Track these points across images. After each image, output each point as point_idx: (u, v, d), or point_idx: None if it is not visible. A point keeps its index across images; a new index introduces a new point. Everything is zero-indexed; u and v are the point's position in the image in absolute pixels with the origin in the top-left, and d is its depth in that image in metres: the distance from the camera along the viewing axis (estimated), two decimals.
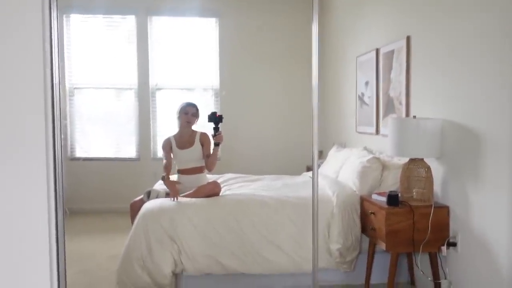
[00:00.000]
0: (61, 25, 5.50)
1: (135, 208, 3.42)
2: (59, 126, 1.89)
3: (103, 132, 5.83)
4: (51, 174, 1.78)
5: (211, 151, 3.58)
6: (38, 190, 1.74)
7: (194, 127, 3.67)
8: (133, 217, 3.37)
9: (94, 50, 5.67)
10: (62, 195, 1.85)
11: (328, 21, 5.61)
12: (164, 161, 3.62)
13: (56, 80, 1.91)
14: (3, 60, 1.75)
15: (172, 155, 3.64)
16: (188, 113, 3.61)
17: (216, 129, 3.47)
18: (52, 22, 1.92)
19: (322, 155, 5.51)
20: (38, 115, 1.79)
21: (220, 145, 3.51)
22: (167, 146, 3.65)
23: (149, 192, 3.46)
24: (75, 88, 5.67)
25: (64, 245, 1.85)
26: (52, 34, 1.91)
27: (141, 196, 3.49)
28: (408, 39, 3.38)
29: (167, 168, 3.58)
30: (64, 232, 1.84)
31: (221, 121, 3.47)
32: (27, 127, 1.76)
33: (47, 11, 1.86)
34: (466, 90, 2.65)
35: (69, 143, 5.64)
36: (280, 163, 5.74)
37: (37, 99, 1.79)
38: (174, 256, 3.04)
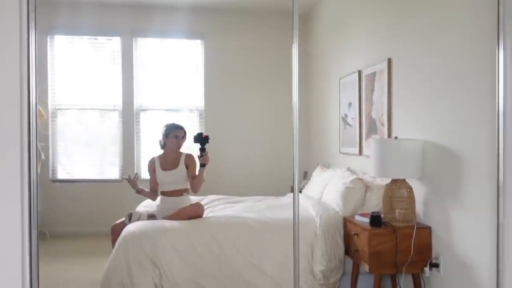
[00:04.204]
0: (45, 46, 5.48)
1: (116, 231, 3.35)
2: (35, 148, 1.86)
3: (86, 154, 5.76)
4: (26, 197, 1.75)
5: (197, 173, 3.55)
6: (12, 214, 1.70)
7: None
8: (114, 240, 3.30)
9: (79, 71, 5.65)
10: (37, 218, 1.80)
11: (313, 43, 5.68)
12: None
13: (33, 102, 1.89)
14: None
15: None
16: (178, 137, 3.58)
17: (202, 150, 3.46)
18: (31, 44, 1.90)
19: (306, 175, 5.51)
20: (13, 137, 1.76)
21: (206, 166, 3.49)
22: (152, 167, 3.63)
23: (130, 215, 3.40)
24: (58, 109, 5.62)
25: (38, 269, 1.80)
26: (30, 56, 1.89)
27: (123, 219, 3.43)
28: (389, 61, 3.43)
29: (151, 187, 3.65)
30: (38, 256, 1.79)
31: (207, 142, 3.46)
32: (2, 149, 1.72)
33: (25, 33, 1.85)
34: (446, 112, 2.68)
35: (50, 164, 5.54)
36: (265, 183, 5.72)
37: (13, 122, 1.77)
38: (155, 280, 2.97)
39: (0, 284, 1.57)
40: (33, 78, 1.91)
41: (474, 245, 2.43)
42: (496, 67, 2.20)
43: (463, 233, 2.52)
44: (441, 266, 2.72)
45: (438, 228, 2.77)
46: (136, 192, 3.58)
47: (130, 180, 3.54)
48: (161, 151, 3.67)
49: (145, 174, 5.52)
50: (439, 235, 2.76)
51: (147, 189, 3.65)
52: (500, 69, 2.16)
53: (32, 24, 1.91)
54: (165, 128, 3.61)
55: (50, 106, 5.56)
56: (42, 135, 5.36)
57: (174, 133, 3.57)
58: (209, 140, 3.46)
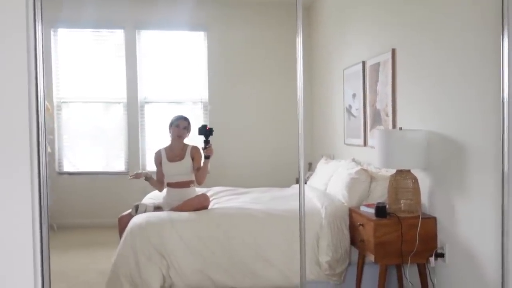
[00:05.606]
0: (48, 40, 5.49)
1: (123, 222, 3.39)
2: (44, 142, 1.88)
3: (91, 146, 5.79)
4: (36, 190, 1.77)
5: (202, 165, 3.57)
6: (22, 207, 1.72)
7: (185, 140, 3.68)
8: (121, 232, 3.34)
9: (82, 64, 5.66)
10: (47, 211, 1.83)
11: (316, 35, 5.66)
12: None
13: (41, 95, 1.91)
14: None
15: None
16: (179, 126, 3.62)
17: (206, 142, 3.48)
18: (37, 37, 1.91)
19: (311, 167, 5.52)
20: (23, 130, 1.77)
21: (210, 158, 3.51)
22: (158, 159, 3.67)
23: (137, 206, 3.44)
24: (62, 102, 5.64)
25: (49, 261, 1.83)
26: (37, 49, 1.90)
27: (129, 211, 3.46)
28: (393, 51, 3.42)
29: (158, 179, 3.68)
30: (48, 248, 1.82)
31: (211, 134, 3.48)
32: (11, 143, 1.74)
33: (31, 26, 1.86)
34: (451, 102, 2.68)
35: (56, 157, 5.59)
36: (269, 175, 5.74)
37: (21, 115, 1.78)
38: (163, 271, 3.01)
39: (14, 275, 1.60)
40: (41, 72, 1.93)
41: (479, 235, 2.44)
42: (500, 57, 2.20)
43: (468, 223, 2.54)
44: (446, 255, 2.74)
45: (443, 218, 2.78)
46: (145, 179, 3.63)
47: (138, 174, 3.62)
48: (167, 143, 3.71)
49: (150, 166, 5.56)
50: (444, 225, 2.78)
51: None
52: (505, 59, 2.16)
53: (38, 18, 1.91)
54: (170, 120, 3.68)
55: (55, 99, 5.59)
56: (47, 128, 5.38)
57: (175, 123, 3.63)
58: (213, 132, 3.48)
